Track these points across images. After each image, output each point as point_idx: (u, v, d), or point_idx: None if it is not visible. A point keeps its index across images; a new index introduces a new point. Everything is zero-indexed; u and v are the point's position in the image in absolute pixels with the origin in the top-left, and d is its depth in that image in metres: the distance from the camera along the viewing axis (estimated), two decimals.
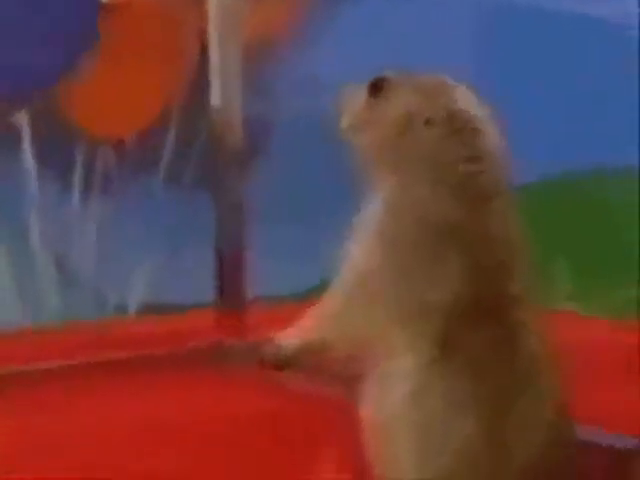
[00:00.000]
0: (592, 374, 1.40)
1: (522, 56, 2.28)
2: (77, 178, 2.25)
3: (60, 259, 2.25)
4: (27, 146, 2.20)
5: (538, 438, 0.92)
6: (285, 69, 2.35)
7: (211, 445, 1.30)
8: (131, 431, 1.36)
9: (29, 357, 1.67)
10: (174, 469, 1.22)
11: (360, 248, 0.96)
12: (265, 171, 2.26)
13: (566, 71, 2.25)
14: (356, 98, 1.00)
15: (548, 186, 2.32)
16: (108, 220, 2.26)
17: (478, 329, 0.91)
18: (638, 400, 1.21)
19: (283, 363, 0.99)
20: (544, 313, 0.96)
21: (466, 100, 0.97)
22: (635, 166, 2.13)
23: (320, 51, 2.34)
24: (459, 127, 0.95)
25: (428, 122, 0.95)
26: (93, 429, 1.37)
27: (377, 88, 0.99)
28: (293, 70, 2.34)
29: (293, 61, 2.35)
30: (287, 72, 2.34)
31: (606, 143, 2.19)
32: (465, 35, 2.30)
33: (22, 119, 2.19)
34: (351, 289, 0.95)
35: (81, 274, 2.26)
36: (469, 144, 0.94)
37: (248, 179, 1.84)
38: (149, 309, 2.25)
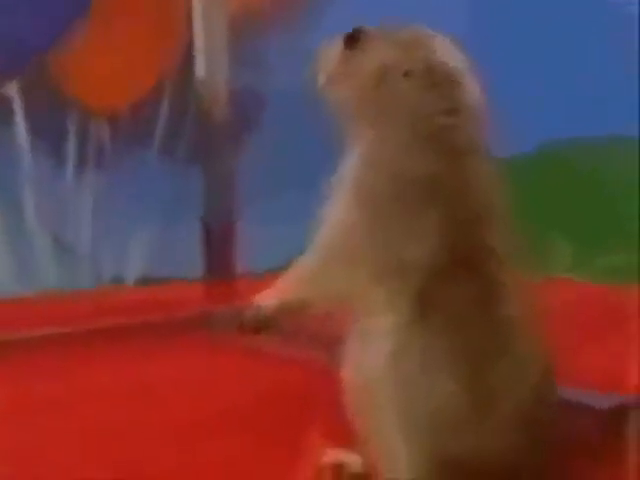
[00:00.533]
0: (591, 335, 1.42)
1: (515, 27, 2.27)
2: (71, 150, 2.26)
3: (55, 230, 2.26)
4: (20, 119, 2.20)
5: (521, 399, 0.92)
6: (279, 40, 2.34)
7: (199, 407, 1.31)
8: (127, 394, 1.38)
9: (27, 325, 1.69)
10: (166, 430, 1.23)
11: (337, 204, 0.95)
12: (258, 144, 2.26)
13: (563, 48, 2.23)
14: (332, 52, 0.99)
15: (537, 157, 2.32)
16: (102, 192, 2.26)
17: (457, 284, 0.91)
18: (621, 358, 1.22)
19: (262, 325, 0.98)
20: (531, 279, 0.96)
21: (446, 52, 0.96)
22: (617, 135, 2.14)
23: (315, 20, 2.33)
24: (438, 80, 0.94)
25: (406, 74, 0.94)
26: (90, 393, 1.39)
27: (353, 40, 0.98)
28: (287, 41, 2.33)
29: (288, 31, 2.34)
30: (281, 43, 2.33)
31: (596, 113, 2.19)
32: (461, 8, 2.28)
33: (13, 90, 2.19)
34: (328, 247, 0.95)
35: (76, 245, 2.27)
36: (447, 96, 0.94)
37: (239, 152, 1.84)
38: (143, 279, 2.26)
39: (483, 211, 0.94)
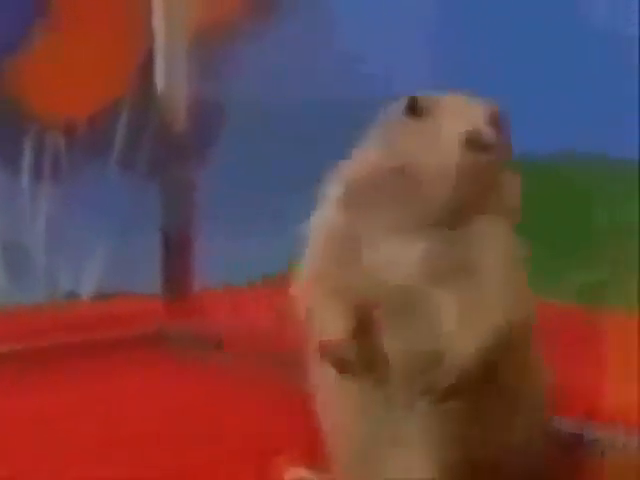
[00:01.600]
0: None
1: (511, 47, 2.26)
2: (27, 162, 2.24)
3: (9, 243, 2.23)
4: None
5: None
6: (241, 52, 2.33)
7: (158, 421, 1.31)
8: (84, 410, 1.38)
9: None
10: (124, 445, 1.22)
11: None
12: (218, 157, 2.25)
13: (559, 66, 2.23)
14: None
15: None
16: (59, 205, 2.24)
17: None
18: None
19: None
20: None
21: None
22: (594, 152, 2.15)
23: (278, 33, 2.33)
24: None
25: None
26: (46, 410, 1.37)
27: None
28: (249, 53, 2.32)
29: (250, 43, 2.34)
30: (243, 55, 2.33)
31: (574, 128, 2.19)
32: (442, 14, 2.27)
33: None
34: None
35: (31, 259, 2.25)
36: None
37: (197, 165, 1.83)
38: (99, 294, 2.24)
39: None
